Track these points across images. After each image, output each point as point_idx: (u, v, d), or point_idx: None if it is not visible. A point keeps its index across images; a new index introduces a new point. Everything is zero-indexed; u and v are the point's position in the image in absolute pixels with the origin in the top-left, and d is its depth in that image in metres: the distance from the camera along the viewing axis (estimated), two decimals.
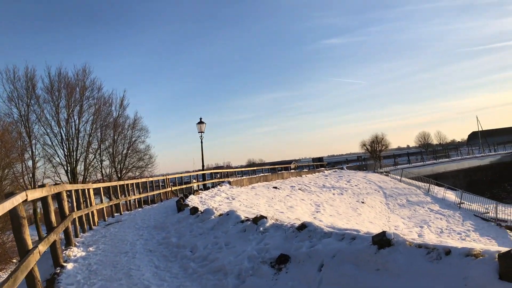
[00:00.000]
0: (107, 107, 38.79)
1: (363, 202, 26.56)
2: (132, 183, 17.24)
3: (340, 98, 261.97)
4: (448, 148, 76.63)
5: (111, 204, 14.18)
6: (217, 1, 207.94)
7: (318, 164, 45.89)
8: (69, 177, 35.34)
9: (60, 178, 35.58)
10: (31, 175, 32.68)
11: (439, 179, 36.93)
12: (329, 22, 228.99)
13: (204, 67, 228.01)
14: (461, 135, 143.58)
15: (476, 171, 44.66)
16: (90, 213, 11.67)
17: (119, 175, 39.10)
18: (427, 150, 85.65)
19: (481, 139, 73.57)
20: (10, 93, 32.18)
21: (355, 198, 27.35)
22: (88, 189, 12.16)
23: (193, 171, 27.78)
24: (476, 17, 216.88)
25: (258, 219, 6.45)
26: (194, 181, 32.82)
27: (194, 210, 9.45)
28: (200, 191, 17.99)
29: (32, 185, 32.21)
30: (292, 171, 35.63)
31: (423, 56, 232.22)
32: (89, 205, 11.58)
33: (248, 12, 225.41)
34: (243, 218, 7.18)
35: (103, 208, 13.32)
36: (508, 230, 25.05)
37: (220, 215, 8.24)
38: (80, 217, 10.64)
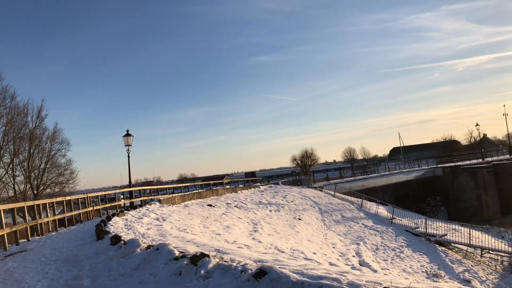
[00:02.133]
0: (22, 118, 35.01)
1: (300, 219, 25.84)
2: (45, 203, 14.82)
3: (270, 114, 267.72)
4: (373, 163, 79.92)
5: (14, 229, 11.83)
6: (147, 14, 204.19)
7: (253, 179, 45.01)
8: None
9: None
10: None
11: (369, 193, 37.53)
12: (258, 40, 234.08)
13: (132, 79, 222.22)
14: (383, 151, 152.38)
15: (403, 186, 46.30)
16: None
17: (35, 192, 35.32)
18: (353, 164, 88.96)
19: (402, 154, 77.36)
20: None
21: (292, 214, 26.60)
22: None
23: (120, 188, 25.39)
24: (393, 41, 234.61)
25: (198, 258, 4.98)
26: (121, 197, 30.21)
27: (116, 239, 7.75)
28: (126, 211, 15.98)
29: None
30: (227, 187, 34.28)
31: (345, 76, 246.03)
32: None
33: (178, 27, 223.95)
34: (177, 254, 5.66)
35: (3, 235, 10.99)
36: (437, 245, 25.70)
37: (148, 247, 6.65)
38: None
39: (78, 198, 18.51)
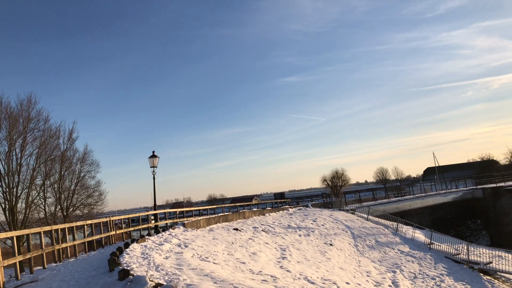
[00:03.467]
0: (54, 140, 35.43)
1: (331, 245, 24.47)
2: (64, 228, 14.27)
3: (299, 134, 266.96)
4: (406, 184, 77.02)
5: (28, 257, 11.22)
6: (177, 38, 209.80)
7: (282, 201, 43.75)
8: (7, 215, 31.44)
9: None
10: None
11: (404, 216, 35.78)
12: (286, 61, 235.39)
13: (162, 102, 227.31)
14: (416, 171, 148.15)
15: (440, 208, 44.01)
16: None
17: (65, 213, 35.44)
18: (386, 185, 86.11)
19: (437, 174, 74.32)
20: None
21: (323, 239, 25.24)
22: None
23: (144, 212, 24.80)
24: (425, 59, 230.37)
25: None
26: (152, 218, 29.66)
27: (124, 274, 6.91)
28: (148, 237, 15.23)
29: None
30: (254, 209, 33.24)
31: (376, 94, 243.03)
32: None
33: (207, 49, 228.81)
34: None
35: (15, 262, 10.39)
36: (481, 274, 23.77)
37: (156, 286, 5.77)
38: None
39: (100, 222, 17.96)
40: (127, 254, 10.46)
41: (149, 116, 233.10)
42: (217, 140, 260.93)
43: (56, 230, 13.44)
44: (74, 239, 15.03)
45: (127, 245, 12.32)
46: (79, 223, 16.01)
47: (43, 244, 12.29)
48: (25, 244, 26.53)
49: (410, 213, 39.77)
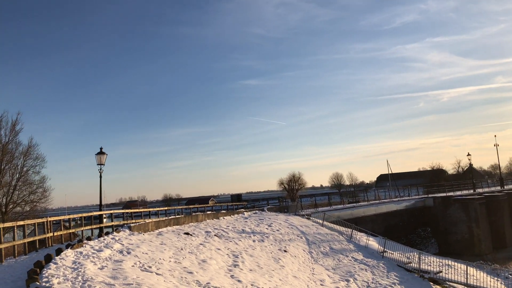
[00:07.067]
0: None
1: (285, 251, 23.80)
2: None
3: (257, 137, 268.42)
4: (360, 189, 78.53)
5: None
6: (133, 32, 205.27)
7: (238, 204, 42.81)
8: None
9: None
10: None
11: (359, 223, 35.81)
12: (246, 64, 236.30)
13: (118, 98, 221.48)
14: (369, 177, 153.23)
15: (393, 216, 44.55)
16: None
17: (3, 210, 32.82)
18: (340, 190, 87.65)
19: (390, 181, 76.24)
20: None
21: (277, 245, 24.52)
22: None
23: (89, 213, 23.07)
24: (380, 70, 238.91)
25: None
26: (98, 219, 27.82)
27: None
28: (86, 241, 13.78)
29: None
30: (208, 212, 32.09)
31: (333, 102, 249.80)
32: None
33: (167, 47, 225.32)
34: None
35: None
36: (431, 283, 23.90)
37: None
38: None
39: (35, 223, 16.30)
40: (55, 263, 9.11)
41: (105, 112, 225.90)
42: (174, 139, 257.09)
43: None
44: (0, 242, 13.34)
45: (59, 252, 10.90)
46: (7, 224, 14.27)
47: None
48: None
49: (364, 219, 39.91)
